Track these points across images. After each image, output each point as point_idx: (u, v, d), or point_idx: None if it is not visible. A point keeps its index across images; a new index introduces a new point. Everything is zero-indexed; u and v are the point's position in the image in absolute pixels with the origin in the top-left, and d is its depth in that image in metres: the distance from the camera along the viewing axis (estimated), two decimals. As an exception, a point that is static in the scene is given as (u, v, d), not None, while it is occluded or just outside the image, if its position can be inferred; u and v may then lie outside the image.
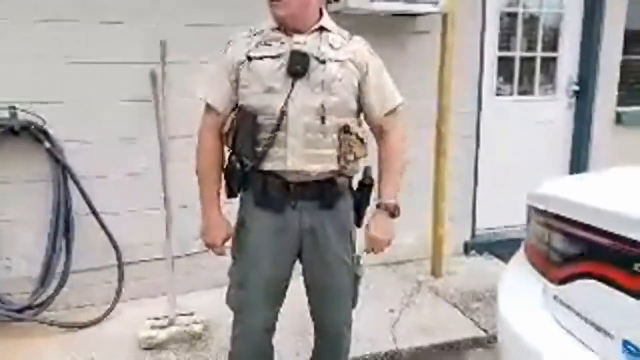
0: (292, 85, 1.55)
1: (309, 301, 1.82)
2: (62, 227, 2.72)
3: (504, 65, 3.85)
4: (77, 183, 2.74)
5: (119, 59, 2.81)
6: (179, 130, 2.80)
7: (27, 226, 2.80)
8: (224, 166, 1.70)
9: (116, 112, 2.85)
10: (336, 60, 1.59)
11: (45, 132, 2.68)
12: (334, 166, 1.62)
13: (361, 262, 1.82)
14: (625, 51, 4.04)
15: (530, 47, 3.93)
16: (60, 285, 2.75)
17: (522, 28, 3.85)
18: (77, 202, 2.78)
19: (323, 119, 1.57)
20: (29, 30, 2.67)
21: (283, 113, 1.55)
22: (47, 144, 2.67)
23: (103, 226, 2.81)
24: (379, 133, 1.75)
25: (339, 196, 1.69)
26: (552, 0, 3.91)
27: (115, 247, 2.84)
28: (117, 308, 2.84)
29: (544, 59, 3.95)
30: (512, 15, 3.82)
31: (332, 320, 1.82)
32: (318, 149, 1.59)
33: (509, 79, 3.91)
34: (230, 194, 1.70)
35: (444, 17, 3.16)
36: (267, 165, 1.60)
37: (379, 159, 1.76)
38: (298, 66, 1.54)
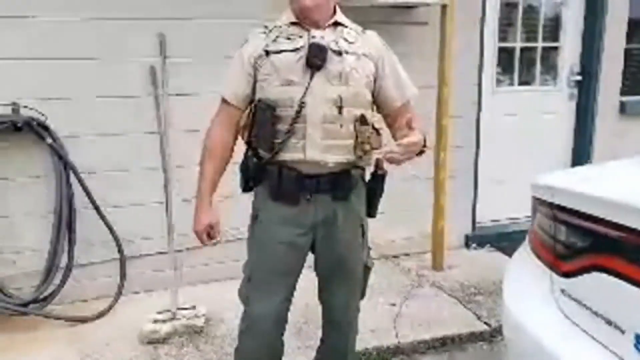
0: (311, 77, 1.58)
1: (320, 292, 1.83)
2: (65, 222, 2.72)
3: (504, 56, 3.83)
4: (79, 178, 2.74)
5: (119, 55, 2.80)
6: (180, 125, 2.80)
7: (31, 221, 2.80)
8: (241, 160, 1.71)
9: (117, 107, 2.84)
10: (352, 53, 1.63)
11: (47, 128, 2.68)
12: (350, 157, 1.64)
13: (371, 253, 1.85)
14: (629, 40, 4.01)
15: (531, 37, 3.90)
16: (64, 279, 2.75)
17: (522, 18, 3.83)
18: (79, 197, 2.78)
19: (340, 110, 1.60)
20: (30, 27, 2.66)
21: (302, 104, 1.57)
22: (49, 140, 2.67)
23: (105, 220, 2.81)
24: (394, 120, 1.74)
25: (353, 188, 1.70)
26: (553, -12, 3.89)
27: (117, 241, 2.85)
28: (120, 302, 2.85)
29: (544, 49, 3.93)
30: (512, 5, 3.79)
31: (343, 310, 1.84)
32: (335, 140, 1.61)
33: (509, 70, 3.89)
34: (245, 188, 1.72)
35: (443, 7, 3.14)
36: (285, 156, 1.60)
37: (396, 131, 1.70)
38: (316, 59, 1.57)
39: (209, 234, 1.74)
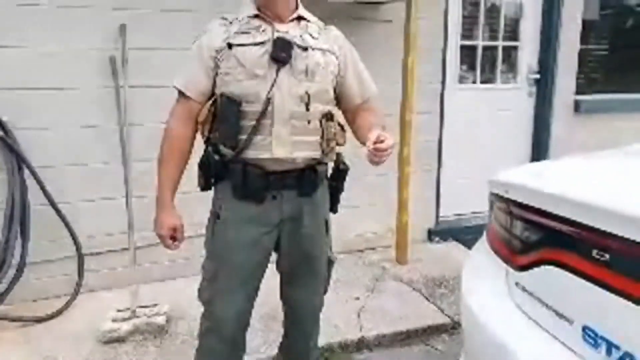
0: (277, 72, 1.54)
1: (283, 289, 1.82)
2: (18, 218, 2.61)
3: (467, 54, 3.90)
4: (33, 172, 2.65)
5: (77, 45, 2.72)
6: (141, 119, 2.74)
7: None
8: (200, 158, 1.65)
9: (74, 99, 2.75)
10: (318, 49, 1.61)
11: (-3, 119, 2.58)
12: (317, 153, 1.62)
13: (335, 248, 1.85)
14: (583, 41, 4.14)
15: (493, 36, 3.98)
16: (17, 278, 2.66)
17: (484, 17, 3.90)
18: (34, 192, 2.68)
19: (307, 106, 1.57)
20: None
21: (269, 100, 1.53)
22: (0, 132, 2.57)
23: (61, 217, 2.73)
24: (354, 116, 1.76)
25: (319, 184, 1.69)
26: (513, -11, 3.98)
27: (74, 238, 2.77)
28: (77, 301, 2.78)
29: (505, 48, 4.02)
30: (475, 5, 3.86)
31: (307, 307, 1.83)
32: (302, 136, 1.59)
33: (471, 68, 3.96)
34: (205, 187, 1.66)
35: (408, 4, 3.16)
36: (251, 154, 1.56)
37: (357, 129, 1.73)
38: (282, 53, 1.54)
39: (173, 237, 1.68)
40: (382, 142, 1.47)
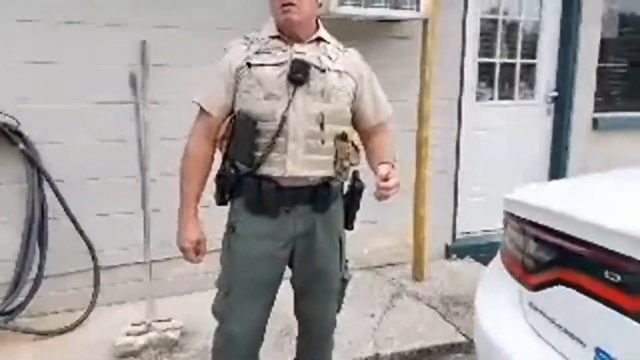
0: (293, 93, 1.57)
1: (297, 305, 1.83)
2: (37, 231, 2.65)
3: (485, 71, 3.89)
4: (52, 185, 2.70)
5: (97, 61, 2.78)
6: (158, 133, 2.78)
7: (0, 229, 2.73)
8: (217, 172, 1.68)
9: (94, 114, 2.81)
10: (335, 71, 1.64)
11: (19, 134, 2.64)
12: (330, 172, 1.64)
13: (348, 266, 1.84)
14: (602, 58, 4.11)
15: (510, 53, 3.97)
16: (34, 291, 2.68)
17: (502, 34, 3.89)
18: (52, 205, 2.73)
19: (322, 126, 1.60)
20: (5, 31, 2.63)
21: (284, 119, 1.56)
22: (22, 146, 2.62)
23: (79, 230, 2.76)
24: (368, 137, 1.79)
25: (333, 200, 1.70)
26: (531, 7, 3.97)
27: (92, 251, 2.80)
28: (93, 314, 2.79)
29: (523, 65, 4.00)
30: (493, 22, 3.86)
31: (320, 323, 1.83)
32: (316, 155, 1.61)
33: (489, 85, 3.94)
34: (221, 201, 1.69)
35: (425, 22, 3.17)
36: (265, 170, 1.59)
37: (369, 152, 1.78)
38: (299, 74, 1.57)
39: (196, 251, 1.71)
40: (387, 180, 1.51)
